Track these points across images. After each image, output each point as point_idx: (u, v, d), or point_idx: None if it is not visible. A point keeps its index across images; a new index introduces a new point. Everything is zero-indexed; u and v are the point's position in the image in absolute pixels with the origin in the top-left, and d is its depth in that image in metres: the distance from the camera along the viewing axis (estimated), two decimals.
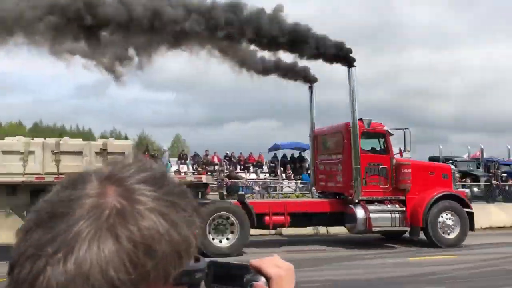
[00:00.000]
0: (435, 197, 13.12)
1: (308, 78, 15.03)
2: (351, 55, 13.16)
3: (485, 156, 29.97)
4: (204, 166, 25.37)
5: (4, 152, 10.72)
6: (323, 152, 14.56)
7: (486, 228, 17.09)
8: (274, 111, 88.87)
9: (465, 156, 33.14)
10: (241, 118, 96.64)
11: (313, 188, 15.09)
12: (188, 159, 27.64)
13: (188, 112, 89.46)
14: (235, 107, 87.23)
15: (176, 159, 28.31)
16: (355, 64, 13.03)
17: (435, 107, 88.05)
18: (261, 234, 13.95)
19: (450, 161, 28.31)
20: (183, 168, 26.32)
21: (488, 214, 17.75)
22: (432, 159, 29.51)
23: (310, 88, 15.06)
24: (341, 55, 13.06)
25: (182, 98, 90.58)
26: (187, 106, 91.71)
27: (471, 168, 28.45)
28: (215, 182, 16.28)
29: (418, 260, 11.45)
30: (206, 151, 27.27)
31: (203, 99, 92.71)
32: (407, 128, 13.09)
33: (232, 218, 11.86)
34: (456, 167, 26.76)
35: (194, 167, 26.08)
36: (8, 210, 12.03)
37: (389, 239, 14.15)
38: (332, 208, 13.27)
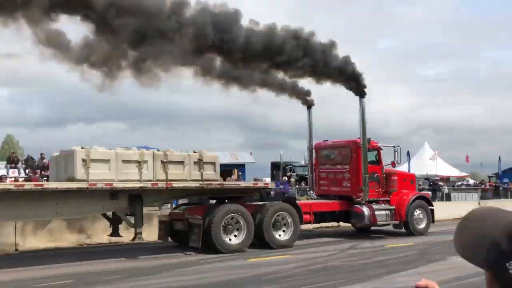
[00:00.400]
0: (413, 198, 17.40)
1: (307, 100, 18.19)
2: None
3: None
4: (39, 170, 23.25)
5: (124, 161, 11.99)
6: (325, 162, 17.90)
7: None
8: (121, 112, 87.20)
9: (302, 162, 34.84)
10: (86, 119, 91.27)
11: (311, 191, 18.31)
12: (20, 163, 24.70)
13: (24, 111, 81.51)
14: (80, 107, 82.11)
15: (5, 162, 24.91)
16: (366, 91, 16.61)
17: (277, 115, 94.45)
18: None
19: (289, 166, 31.70)
20: (15, 172, 23.45)
21: None
22: (273, 164, 32.79)
23: (309, 108, 18.27)
24: (357, 86, 16.50)
25: (17, 95, 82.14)
26: (23, 104, 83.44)
27: (306, 172, 31.66)
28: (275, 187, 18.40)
29: (256, 261, 12.05)
30: (41, 154, 24.44)
31: (43, 98, 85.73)
32: (398, 146, 17.17)
33: (287, 217, 14.53)
34: (294, 172, 31.19)
35: (27, 172, 23.71)
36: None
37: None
38: (341, 208, 16.67)
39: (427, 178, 32.99)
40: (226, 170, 28.46)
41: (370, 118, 17.00)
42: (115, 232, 13.81)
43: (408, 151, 34.51)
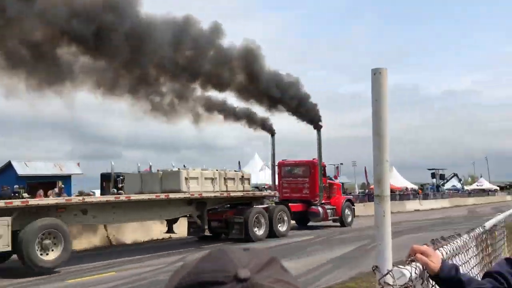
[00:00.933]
0: (345, 200, 24.87)
1: (271, 130, 24.47)
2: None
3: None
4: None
5: (206, 178, 17.03)
6: (288, 176, 24.36)
7: None
8: None
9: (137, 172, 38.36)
10: None
11: (276, 197, 24.58)
12: None
13: None
14: None
15: None
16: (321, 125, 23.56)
17: (111, 124, 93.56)
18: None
19: (121, 177, 28.08)
20: None
21: None
22: (104, 175, 27.58)
23: (273, 136, 24.57)
24: (315, 120, 23.29)
25: None
26: None
27: None
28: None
29: (76, 281, 11.44)
30: None
31: None
32: (340, 163, 24.53)
33: (284, 216, 20.67)
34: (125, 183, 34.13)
35: None
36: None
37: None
38: (303, 208, 23.34)
39: (256, 187, 35.75)
40: (48, 182, 26.89)
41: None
42: (170, 230, 18.50)
43: (239, 161, 35.36)
